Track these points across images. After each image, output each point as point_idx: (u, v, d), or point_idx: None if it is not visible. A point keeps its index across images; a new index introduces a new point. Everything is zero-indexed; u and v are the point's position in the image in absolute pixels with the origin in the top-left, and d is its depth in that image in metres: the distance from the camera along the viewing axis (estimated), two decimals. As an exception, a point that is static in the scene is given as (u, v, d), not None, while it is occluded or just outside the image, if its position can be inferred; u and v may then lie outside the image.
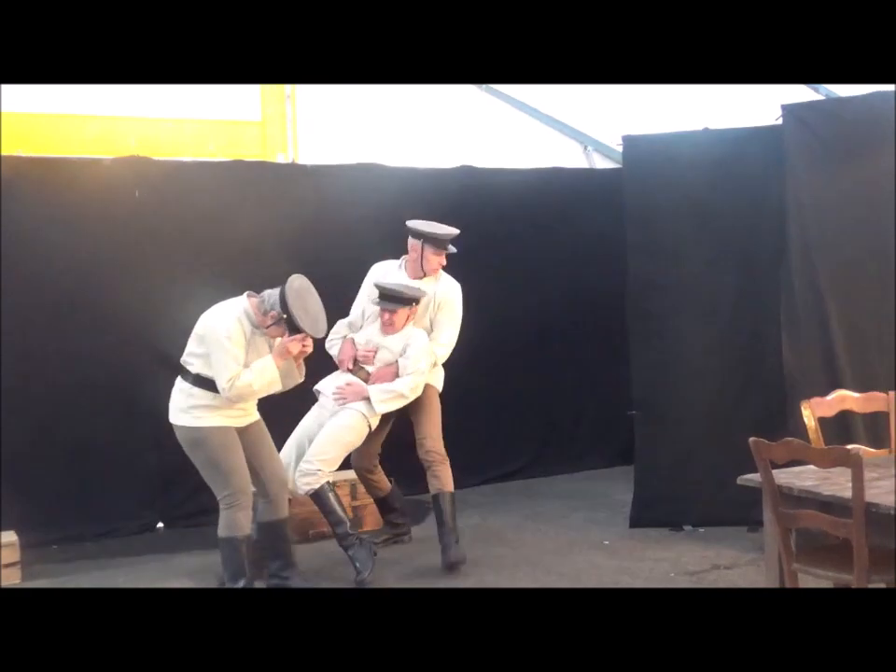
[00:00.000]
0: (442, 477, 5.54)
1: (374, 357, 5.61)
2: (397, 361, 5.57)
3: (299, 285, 4.83)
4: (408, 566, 5.63)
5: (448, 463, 5.60)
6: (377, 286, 5.59)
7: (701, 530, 6.05)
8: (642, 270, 6.20)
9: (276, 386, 4.82)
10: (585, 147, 8.47)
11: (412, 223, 5.71)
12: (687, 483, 6.08)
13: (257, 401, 5.01)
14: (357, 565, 5.25)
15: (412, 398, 5.57)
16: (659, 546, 5.81)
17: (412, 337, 5.60)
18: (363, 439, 5.55)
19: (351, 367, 5.62)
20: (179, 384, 4.92)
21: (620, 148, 6.50)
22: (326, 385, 5.64)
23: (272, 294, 4.79)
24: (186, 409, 4.84)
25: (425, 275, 5.70)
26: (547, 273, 7.73)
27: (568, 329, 7.78)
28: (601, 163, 8.49)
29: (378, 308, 5.62)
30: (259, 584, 5.03)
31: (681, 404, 6.14)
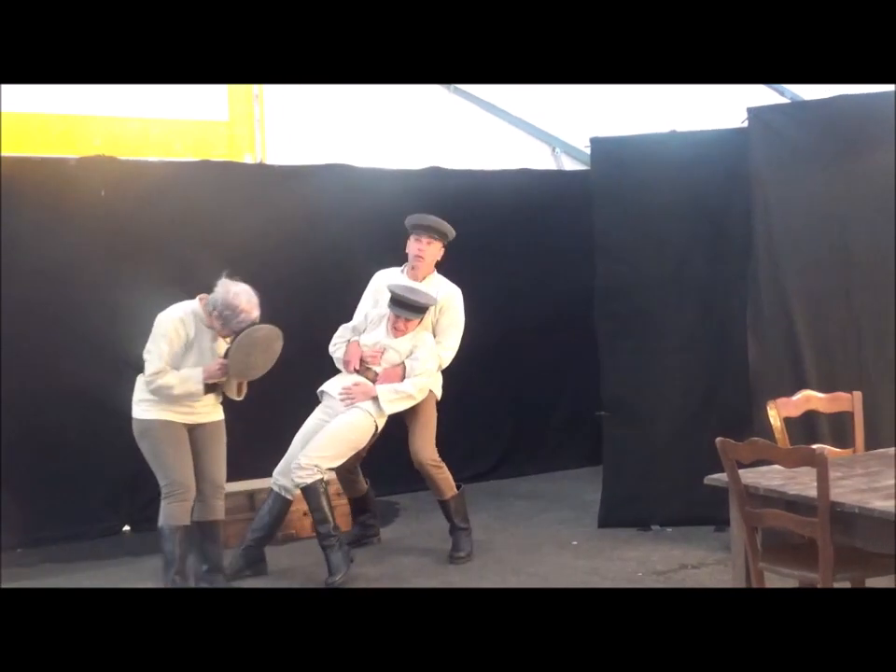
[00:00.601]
0: (441, 485, 5.69)
1: (381, 357, 5.64)
2: (403, 363, 5.62)
3: (265, 334, 4.99)
4: (376, 567, 5.62)
5: (444, 467, 5.71)
6: (394, 292, 5.60)
7: (669, 530, 6.08)
8: (610, 271, 6.23)
9: (197, 395, 4.91)
10: (553, 149, 8.49)
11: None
12: (655, 484, 6.12)
13: (218, 405, 5.13)
14: (331, 567, 5.26)
15: (419, 399, 5.63)
16: (627, 546, 5.84)
17: (419, 339, 5.67)
18: (368, 439, 5.56)
19: (357, 367, 5.63)
20: (138, 378, 5.03)
21: (588, 150, 6.52)
22: (331, 387, 5.65)
23: (215, 295, 4.89)
24: (137, 401, 4.99)
25: (414, 274, 5.78)
26: (515, 274, 7.75)
27: (537, 329, 7.79)
28: (569, 165, 8.51)
29: (387, 312, 5.66)
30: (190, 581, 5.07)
31: (650, 405, 6.17)
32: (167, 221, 6.55)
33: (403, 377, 5.59)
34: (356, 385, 5.55)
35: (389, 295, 5.61)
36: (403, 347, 5.64)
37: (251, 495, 6.19)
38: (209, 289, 5.00)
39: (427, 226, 5.78)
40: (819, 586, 3.60)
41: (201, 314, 4.94)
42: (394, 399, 5.53)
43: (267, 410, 6.48)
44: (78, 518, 6.29)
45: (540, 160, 8.37)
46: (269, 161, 7.51)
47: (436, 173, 7.51)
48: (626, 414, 6.20)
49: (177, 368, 4.88)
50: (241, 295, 4.88)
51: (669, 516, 6.11)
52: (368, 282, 6.08)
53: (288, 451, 5.53)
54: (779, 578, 3.93)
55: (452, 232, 5.87)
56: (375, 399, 5.50)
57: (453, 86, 7.95)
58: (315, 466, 5.33)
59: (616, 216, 6.19)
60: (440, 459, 5.70)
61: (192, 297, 5.06)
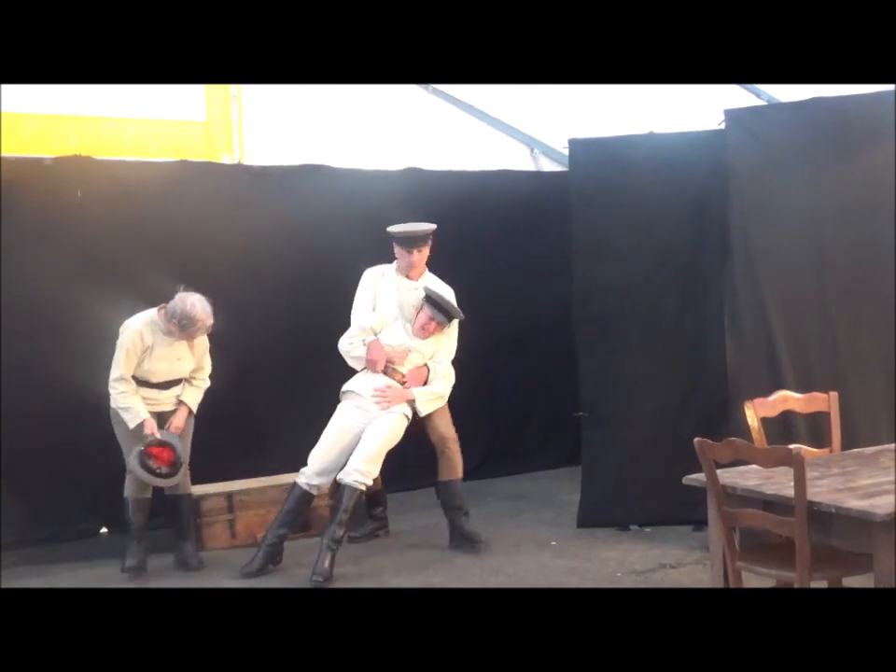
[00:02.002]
0: (454, 463, 5.85)
1: (405, 359, 5.78)
2: (426, 364, 5.80)
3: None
4: (356, 567, 5.61)
5: (458, 448, 5.89)
6: (434, 297, 5.77)
7: (647, 530, 6.10)
8: (588, 272, 6.24)
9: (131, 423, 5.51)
10: (532, 150, 8.51)
11: (389, 228, 5.88)
12: (633, 484, 6.14)
13: (177, 397, 5.67)
14: (323, 569, 5.32)
15: (447, 398, 5.88)
16: (606, 546, 5.85)
17: (439, 342, 5.87)
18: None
19: (383, 368, 5.73)
20: None
21: (566, 151, 6.54)
22: (360, 387, 5.73)
23: (173, 304, 5.44)
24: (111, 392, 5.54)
25: (408, 276, 5.89)
26: (494, 275, 7.75)
27: (515, 330, 7.80)
28: (548, 166, 8.53)
29: (399, 314, 5.83)
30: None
31: (628, 405, 6.19)
32: (144, 222, 6.51)
33: (427, 378, 5.77)
34: (389, 388, 5.67)
35: (424, 295, 5.80)
36: (427, 349, 5.83)
37: (230, 496, 6.18)
38: (188, 287, 5.50)
39: (413, 239, 5.85)
40: (796, 585, 3.62)
41: (159, 322, 5.50)
42: (430, 400, 5.76)
43: (245, 414, 6.48)
44: (56, 520, 6.25)
45: (519, 161, 8.38)
46: (247, 162, 7.48)
47: (414, 173, 7.51)
48: (605, 415, 6.22)
49: (140, 369, 5.49)
50: (196, 305, 5.43)
51: (647, 516, 6.13)
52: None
53: (322, 450, 5.58)
54: (757, 577, 3.95)
55: (432, 227, 5.92)
56: (409, 400, 5.68)
57: (430, 86, 7.95)
58: (370, 473, 5.51)
59: (594, 217, 6.20)
60: (455, 437, 5.88)
61: (168, 297, 5.46)
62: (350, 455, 5.54)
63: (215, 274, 6.69)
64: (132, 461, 5.44)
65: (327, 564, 5.34)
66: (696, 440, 3.76)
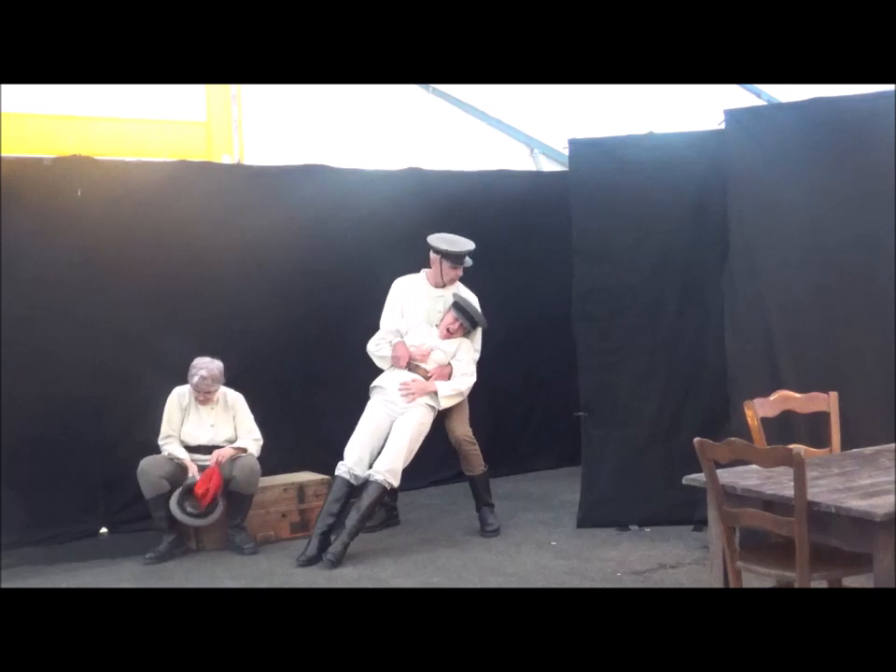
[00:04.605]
0: (473, 461, 6.21)
1: (429, 357, 6.15)
2: (450, 363, 6.18)
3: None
4: (356, 568, 5.61)
5: (477, 445, 6.24)
6: (462, 305, 6.18)
7: (647, 530, 6.10)
8: (588, 272, 6.24)
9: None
10: (532, 150, 8.52)
11: (431, 238, 6.24)
12: (633, 484, 6.14)
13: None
14: (333, 549, 5.63)
15: (466, 395, 6.24)
16: (606, 546, 5.85)
17: (461, 342, 6.24)
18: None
19: (406, 364, 6.11)
20: None
21: (566, 151, 6.54)
22: (387, 382, 6.11)
23: (189, 374, 5.97)
24: None
25: (444, 286, 6.29)
26: (493, 275, 7.73)
27: (515, 330, 7.79)
28: (547, 166, 8.54)
29: (423, 319, 6.23)
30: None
31: (627, 405, 6.19)
32: (144, 222, 6.51)
33: (450, 375, 6.15)
34: (413, 381, 6.06)
35: (452, 301, 6.23)
36: (450, 349, 6.21)
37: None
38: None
39: (462, 256, 6.24)
40: (796, 585, 3.62)
41: (189, 389, 6.05)
42: (450, 395, 6.12)
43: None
44: (56, 520, 6.25)
45: (519, 161, 8.39)
46: (247, 162, 7.49)
47: (414, 173, 7.51)
48: (604, 415, 6.22)
49: (182, 432, 6.04)
50: (202, 359, 5.98)
51: (647, 516, 6.13)
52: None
53: (358, 442, 5.90)
54: (757, 577, 3.95)
55: (473, 246, 6.31)
56: (433, 392, 6.05)
57: (431, 87, 7.96)
58: (397, 473, 5.84)
59: (594, 217, 6.20)
60: (473, 437, 6.22)
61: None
62: (383, 444, 5.90)
63: (214, 274, 6.70)
64: (172, 503, 5.81)
65: (340, 548, 5.64)
66: (696, 440, 3.76)
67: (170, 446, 5.95)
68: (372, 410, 6.05)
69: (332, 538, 5.75)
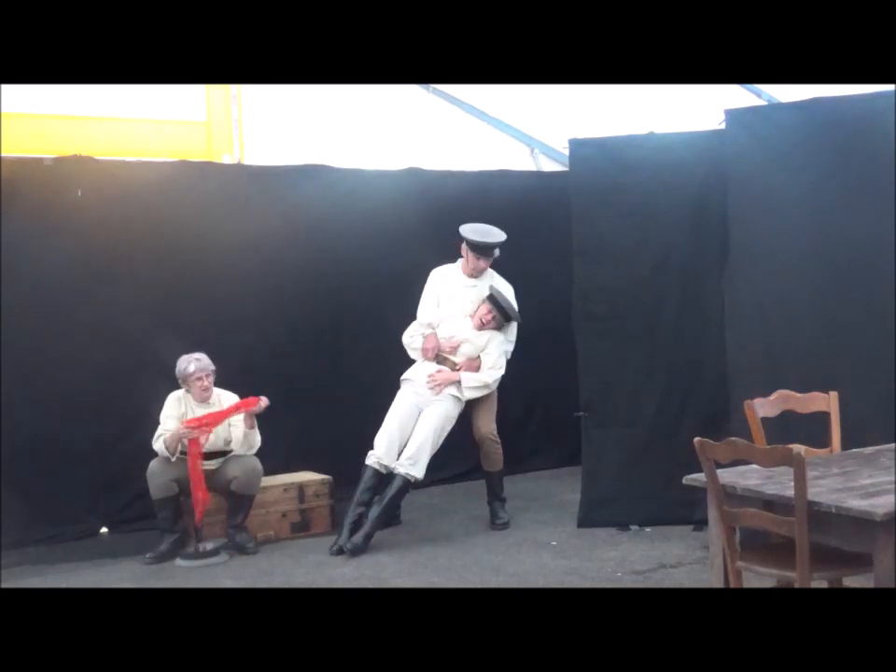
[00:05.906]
0: (494, 458, 6.35)
1: (458, 349, 6.25)
2: (479, 356, 6.26)
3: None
4: (356, 567, 5.61)
5: (499, 443, 6.35)
6: (497, 299, 6.24)
7: (647, 530, 6.10)
8: (588, 272, 6.24)
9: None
10: (532, 150, 8.52)
11: (463, 228, 6.30)
12: (633, 483, 6.14)
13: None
14: (357, 538, 5.78)
15: (493, 389, 6.33)
16: (606, 546, 5.85)
17: (492, 335, 6.31)
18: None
19: (434, 356, 6.22)
20: None
21: (566, 151, 6.54)
22: (415, 374, 6.24)
23: (176, 372, 5.98)
24: None
25: (474, 276, 6.36)
26: (494, 275, 7.75)
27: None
28: (548, 166, 8.54)
29: (456, 312, 6.29)
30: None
31: (628, 405, 6.19)
32: (144, 222, 6.51)
33: (479, 369, 6.25)
34: (439, 371, 6.18)
35: (488, 294, 6.30)
36: (480, 341, 6.28)
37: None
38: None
39: (486, 248, 6.29)
40: (796, 585, 3.62)
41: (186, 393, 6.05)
42: (474, 387, 6.22)
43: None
44: (56, 519, 6.25)
45: (519, 161, 8.38)
46: (247, 162, 7.49)
47: (415, 173, 7.51)
48: (605, 415, 6.22)
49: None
50: (181, 362, 5.96)
51: (648, 516, 6.13)
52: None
53: (387, 432, 6.04)
54: (757, 577, 3.95)
55: (503, 238, 6.37)
56: (457, 382, 6.16)
57: (431, 86, 7.96)
58: (421, 467, 5.99)
59: (594, 217, 6.20)
60: (497, 435, 6.33)
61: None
62: (410, 434, 6.04)
63: (214, 274, 6.70)
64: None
65: (361, 540, 5.78)
66: (696, 439, 3.76)
67: (161, 437, 5.88)
68: (401, 400, 6.17)
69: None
